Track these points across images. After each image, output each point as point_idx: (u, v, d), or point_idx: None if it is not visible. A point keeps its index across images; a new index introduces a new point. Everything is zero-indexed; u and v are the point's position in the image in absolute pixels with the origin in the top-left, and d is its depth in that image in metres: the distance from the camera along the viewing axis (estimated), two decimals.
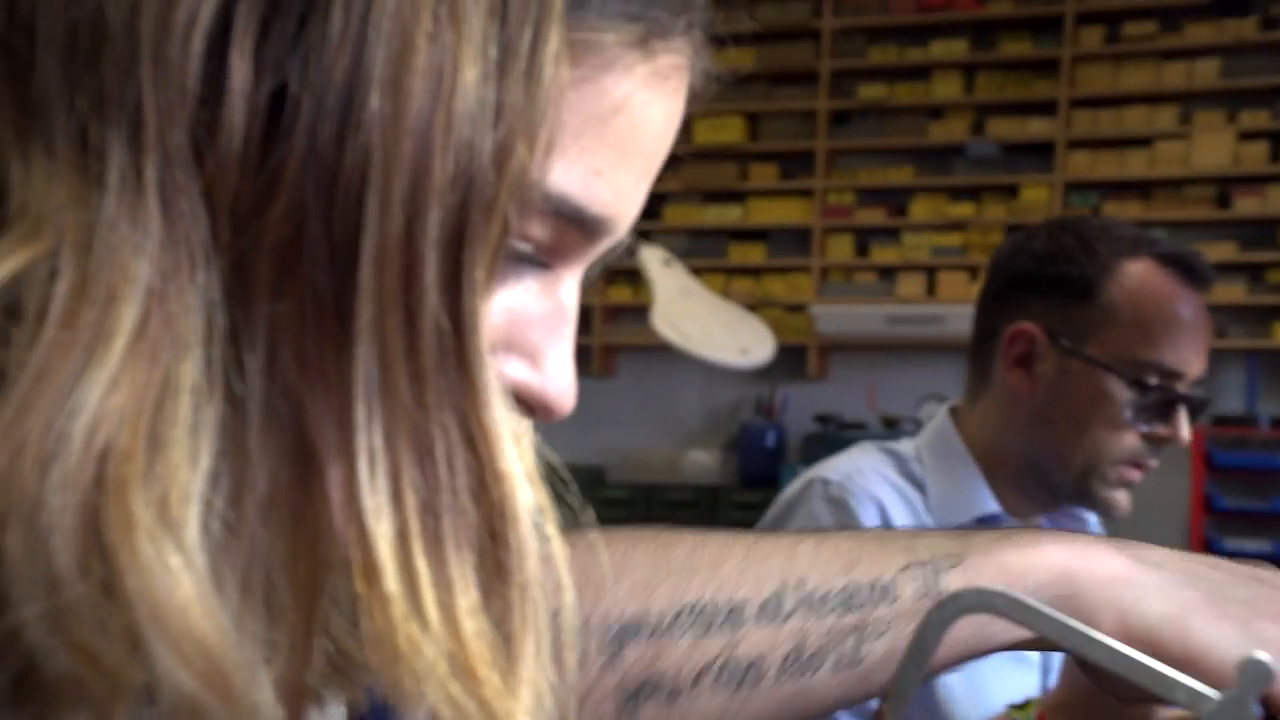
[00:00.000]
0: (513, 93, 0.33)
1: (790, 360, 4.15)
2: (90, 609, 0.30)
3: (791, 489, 1.41)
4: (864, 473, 1.37)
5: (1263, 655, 0.35)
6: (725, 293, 4.25)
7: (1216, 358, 3.96)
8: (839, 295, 4.30)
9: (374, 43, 0.32)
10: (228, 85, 0.32)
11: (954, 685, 1.31)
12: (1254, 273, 3.91)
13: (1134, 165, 4.04)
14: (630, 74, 0.37)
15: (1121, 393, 1.32)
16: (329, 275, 0.33)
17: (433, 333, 0.33)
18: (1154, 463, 1.37)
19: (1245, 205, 3.92)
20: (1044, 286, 1.38)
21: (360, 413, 0.33)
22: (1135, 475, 1.36)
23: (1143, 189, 4.07)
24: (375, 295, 0.33)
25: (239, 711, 0.32)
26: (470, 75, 0.33)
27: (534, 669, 0.35)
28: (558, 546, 0.37)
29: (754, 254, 4.46)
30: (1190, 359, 1.34)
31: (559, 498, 0.38)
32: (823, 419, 4.16)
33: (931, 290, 4.21)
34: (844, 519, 1.33)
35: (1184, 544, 3.77)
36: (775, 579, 0.58)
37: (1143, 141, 4.03)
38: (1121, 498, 1.37)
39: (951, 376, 4.24)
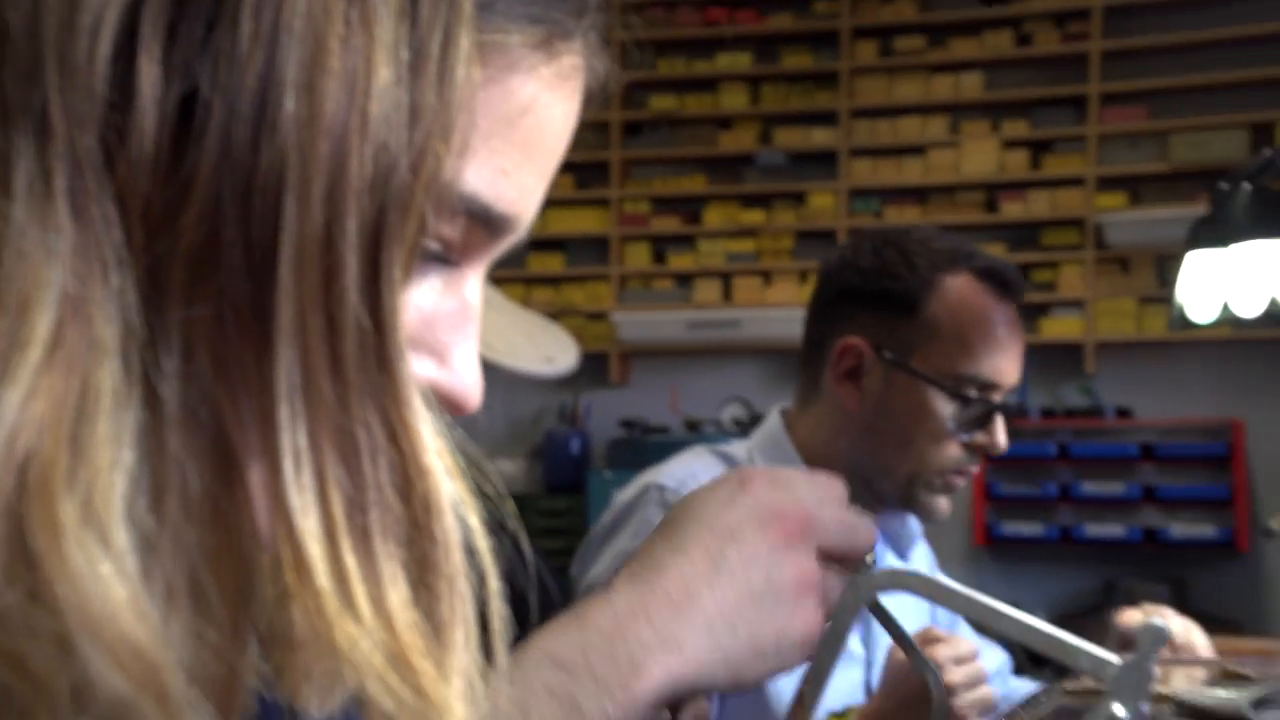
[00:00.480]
0: (426, 94, 0.34)
1: (593, 367, 4.20)
2: (18, 616, 0.30)
3: (627, 493, 1.42)
4: (698, 478, 1.39)
5: (1159, 621, 0.37)
6: (526, 302, 4.27)
7: None
8: (638, 302, 4.38)
9: (286, 45, 0.32)
10: (137, 88, 0.32)
11: (783, 684, 1.36)
12: (1020, 272, 4.17)
13: (910, 172, 4.26)
14: (535, 75, 0.38)
15: (944, 406, 1.38)
16: (247, 278, 0.33)
17: (354, 332, 0.33)
18: (975, 469, 1.43)
19: (1010, 209, 4.18)
20: (870, 301, 1.43)
21: (284, 413, 0.33)
22: (959, 482, 1.43)
23: (919, 194, 4.29)
24: (295, 297, 0.33)
25: (173, 712, 0.32)
26: (384, 77, 0.33)
27: (465, 657, 0.36)
28: (481, 538, 0.38)
29: (553, 263, 4.49)
30: (1006, 370, 1.40)
31: (479, 491, 0.38)
32: (627, 424, 4.22)
33: (728, 295, 4.33)
34: None
35: (969, 529, 3.99)
36: None
37: (917, 150, 4.25)
38: (944, 504, 1.43)
39: (750, 378, 4.38)
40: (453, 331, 0.40)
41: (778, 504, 0.65)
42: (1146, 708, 0.36)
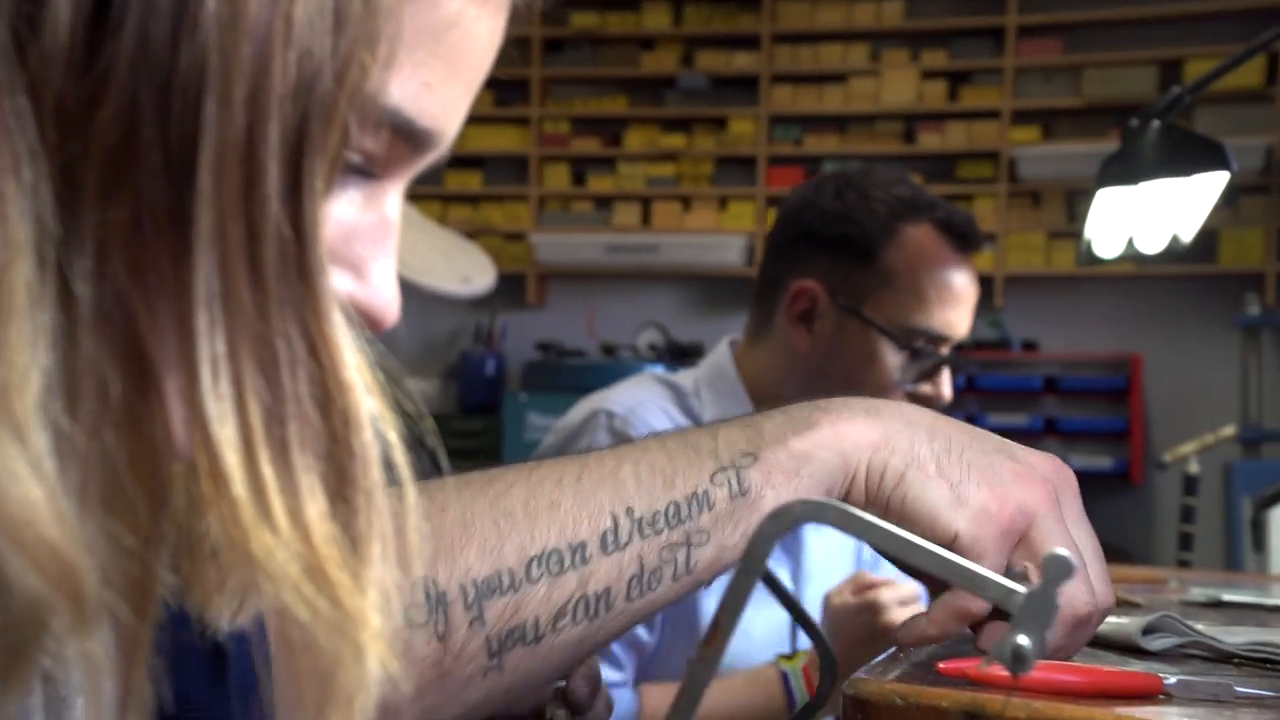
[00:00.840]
0: (353, 1, 0.33)
1: (509, 288, 4.18)
2: None
3: (574, 417, 1.41)
4: (646, 405, 1.39)
5: (1063, 552, 0.37)
6: (442, 220, 4.22)
7: None
8: (557, 224, 4.34)
9: None
10: None
11: (712, 610, 1.38)
12: (976, 224, 4.22)
13: (831, 101, 4.26)
14: None
15: (893, 355, 1.38)
16: (165, 181, 0.32)
17: (274, 241, 0.33)
18: None
19: (927, 140, 4.21)
20: (828, 245, 1.42)
21: (202, 320, 0.33)
22: None
23: (839, 123, 4.30)
24: (215, 203, 0.32)
25: (87, 614, 0.32)
26: None
27: (381, 570, 0.36)
28: (399, 452, 0.38)
29: (471, 181, 4.43)
30: (957, 323, 1.41)
31: (398, 408, 0.38)
32: (544, 346, 4.21)
33: (647, 220, 4.31)
34: None
35: None
36: (608, 512, 0.63)
37: (838, 78, 4.26)
38: None
39: (667, 304, 4.39)
40: (371, 246, 0.39)
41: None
42: (1051, 635, 0.37)
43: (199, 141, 0.32)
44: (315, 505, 0.34)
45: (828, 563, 1.51)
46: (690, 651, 1.36)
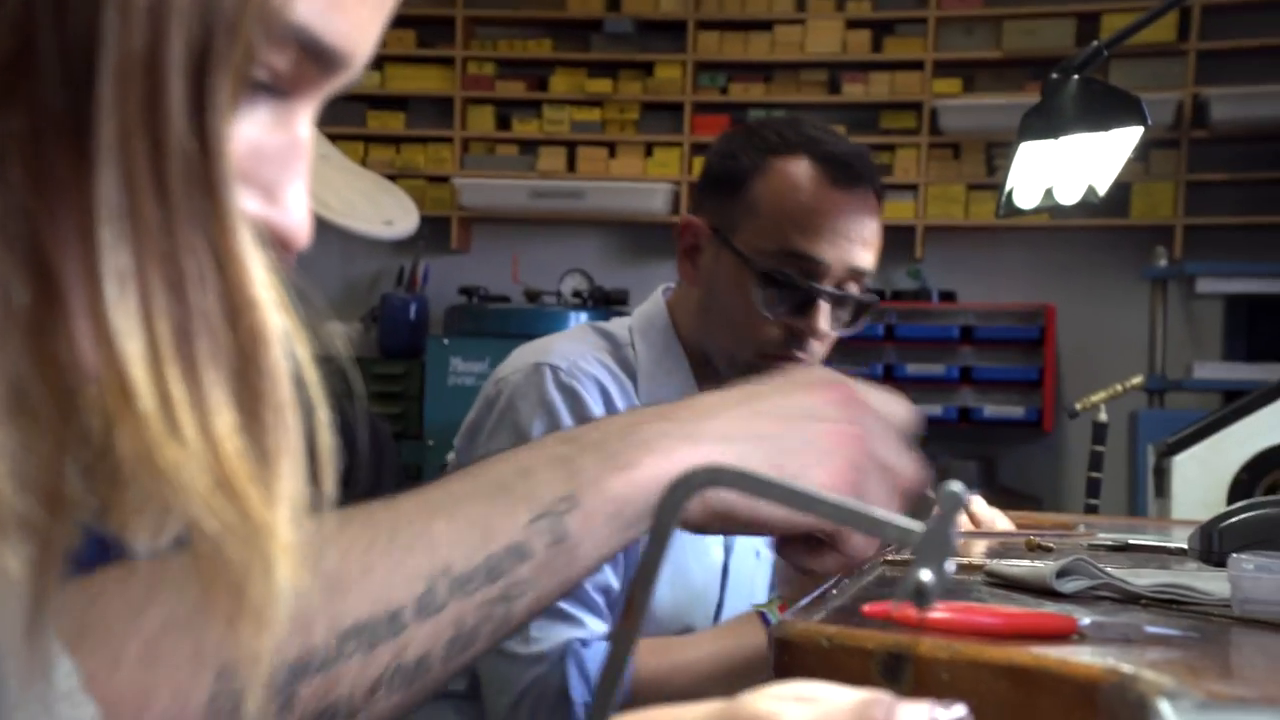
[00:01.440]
0: None
1: (432, 231, 4.13)
2: None
3: (513, 372, 1.40)
4: (585, 357, 1.39)
5: (956, 485, 0.38)
6: (363, 161, 4.15)
7: None
8: (481, 168, 4.30)
9: None
10: None
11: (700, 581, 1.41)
12: (869, 161, 4.25)
13: (757, 48, 4.26)
14: None
15: (757, 285, 1.37)
16: (64, 93, 0.32)
17: (180, 156, 0.33)
18: (803, 355, 1.39)
19: (852, 90, 4.24)
20: (711, 181, 1.45)
21: (106, 235, 0.32)
22: (786, 366, 1.40)
23: (765, 71, 4.31)
24: (117, 116, 0.32)
25: (3, 518, 0.32)
26: None
27: (291, 484, 0.36)
28: (310, 369, 0.38)
29: (393, 122, 4.36)
30: (830, 252, 1.37)
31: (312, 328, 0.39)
32: (467, 291, 4.18)
33: (572, 165, 4.29)
34: (574, 404, 1.35)
35: None
36: (424, 574, 0.61)
37: (764, 26, 4.25)
38: None
39: (592, 251, 4.38)
40: (282, 168, 0.39)
41: (832, 379, 0.70)
42: (951, 567, 0.39)
43: (98, 53, 0.32)
44: (224, 419, 0.34)
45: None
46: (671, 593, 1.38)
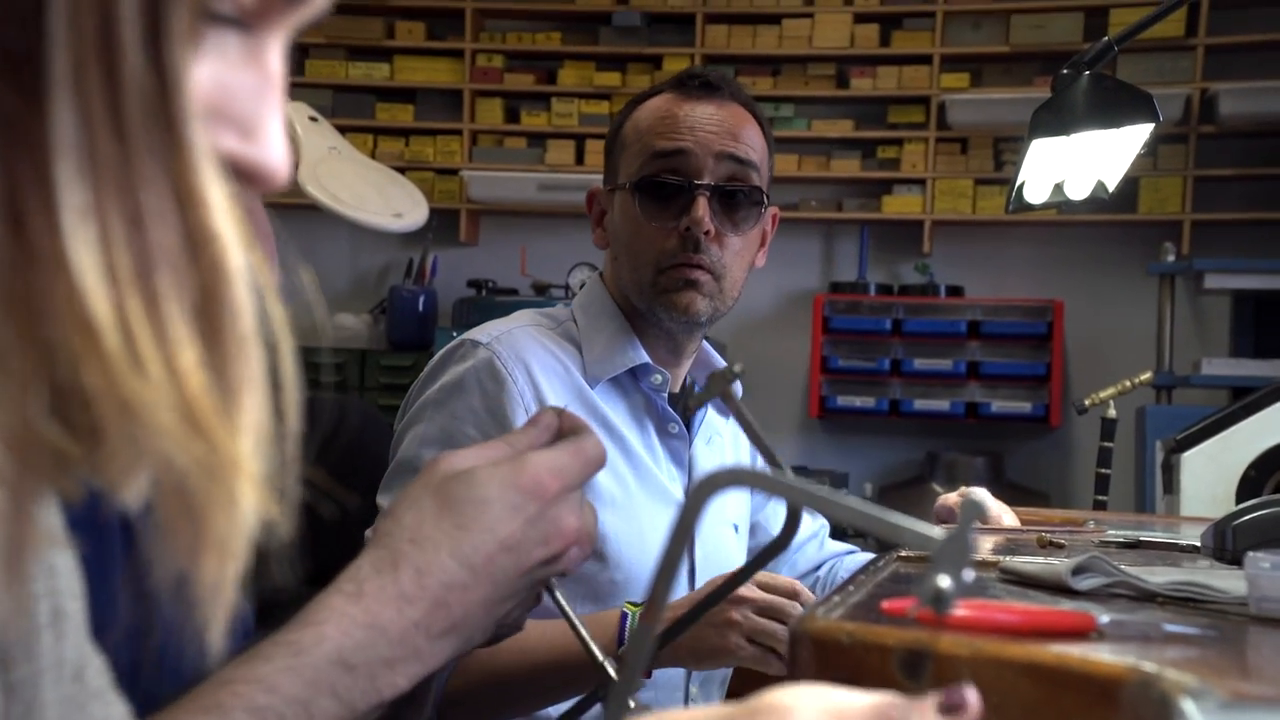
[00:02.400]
0: None
1: (441, 224, 4.14)
2: None
3: (445, 348, 1.45)
4: (514, 335, 1.42)
5: (978, 494, 0.40)
6: (372, 154, 4.15)
7: (833, 228, 4.32)
8: (490, 160, 4.30)
9: None
10: None
11: (612, 523, 1.40)
12: (867, 148, 4.25)
13: (765, 42, 4.25)
14: None
15: (633, 197, 1.44)
16: (16, 27, 0.32)
17: (136, 89, 0.33)
18: (700, 258, 1.42)
19: (860, 84, 4.23)
20: (605, 154, 1.53)
21: (63, 170, 0.32)
22: (689, 274, 1.42)
23: (773, 65, 4.30)
24: (71, 50, 0.32)
25: None
26: None
27: (256, 416, 0.37)
28: (275, 304, 0.38)
29: (402, 114, 4.36)
30: (689, 141, 1.42)
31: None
32: (475, 284, 4.19)
33: (581, 158, 4.29)
34: (490, 380, 1.37)
35: (805, 401, 4.13)
36: None
37: (773, 19, 4.25)
38: (689, 299, 1.43)
39: None
40: (256, 103, 0.39)
41: (564, 525, 0.74)
42: (970, 576, 0.39)
43: None
44: (187, 353, 0.35)
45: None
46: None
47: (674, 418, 1.51)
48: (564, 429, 0.80)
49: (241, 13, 0.37)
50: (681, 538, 0.42)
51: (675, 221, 1.42)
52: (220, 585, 0.36)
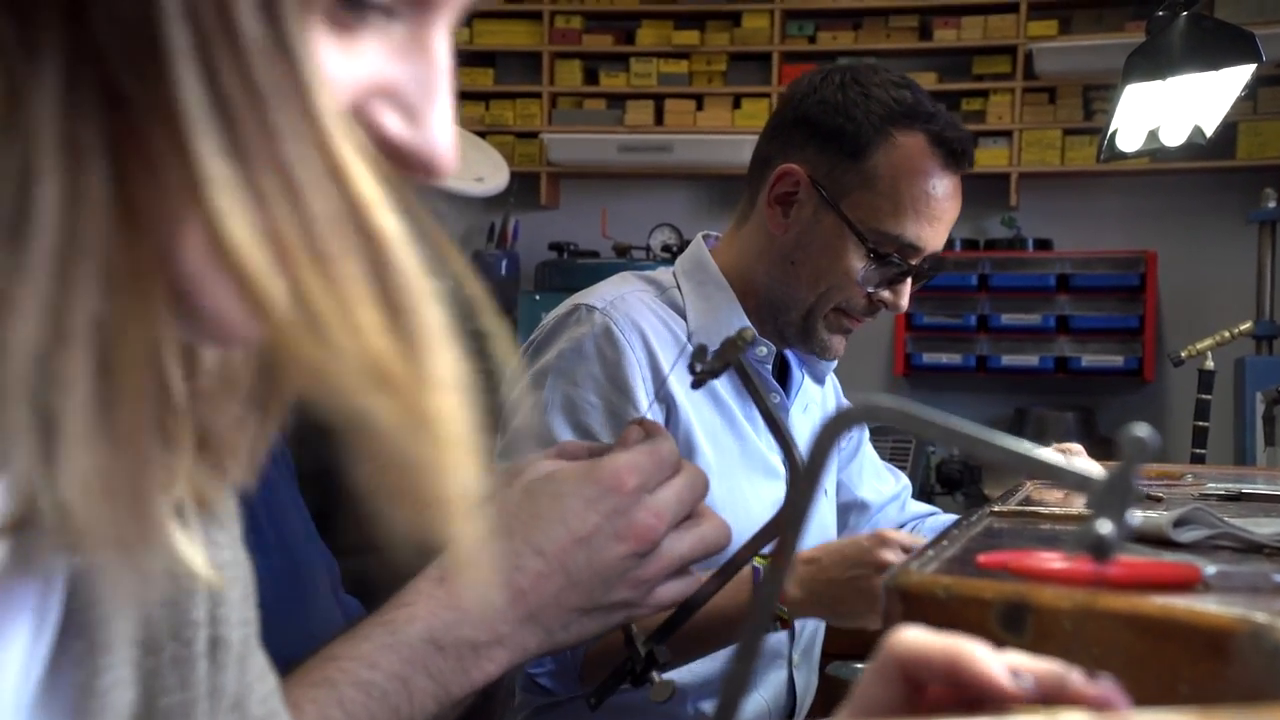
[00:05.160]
0: None
1: (522, 187, 4.15)
2: None
3: (557, 312, 1.45)
4: (627, 300, 1.42)
5: (1142, 430, 0.36)
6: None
7: None
8: (569, 122, 4.30)
9: None
10: None
11: (716, 492, 1.41)
12: (951, 101, 4.17)
13: None
14: None
15: (859, 257, 1.40)
16: (134, 9, 0.31)
17: (263, 60, 0.32)
18: (867, 320, 1.48)
19: (943, 35, 4.14)
20: (821, 134, 1.43)
21: (205, 145, 0.32)
22: (854, 325, 1.47)
23: (854, 18, 4.23)
24: (188, 20, 0.31)
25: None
26: None
27: (447, 371, 0.36)
28: (418, 271, 0.37)
29: (482, 78, 4.37)
30: (930, 238, 1.43)
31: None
32: (557, 247, 4.20)
33: (660, 119, 4.26)
34: (608, 347, 1.38)
35: (890, 359, 4.08)
36: None
37: None
38: (838, 343, 1.47)
39: (680, 205, 4.36)
40: (422, 90, 0.39)
41: (635, 519, 0.75)
42: (1134, 518, 0.37)
43: None
44: (368, 314, 0.34)
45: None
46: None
47: (776, 387, 1.51)
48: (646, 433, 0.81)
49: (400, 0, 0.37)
50: (810, 480, 0.41)
51: (875, 289, 1.43)
52: (461, 536, 0.36)
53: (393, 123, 0.38)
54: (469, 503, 0.36)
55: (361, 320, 0.34)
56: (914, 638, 0.45)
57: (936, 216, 1.42)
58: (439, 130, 0.39)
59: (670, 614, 0.89)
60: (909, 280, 1.43)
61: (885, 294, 1.43)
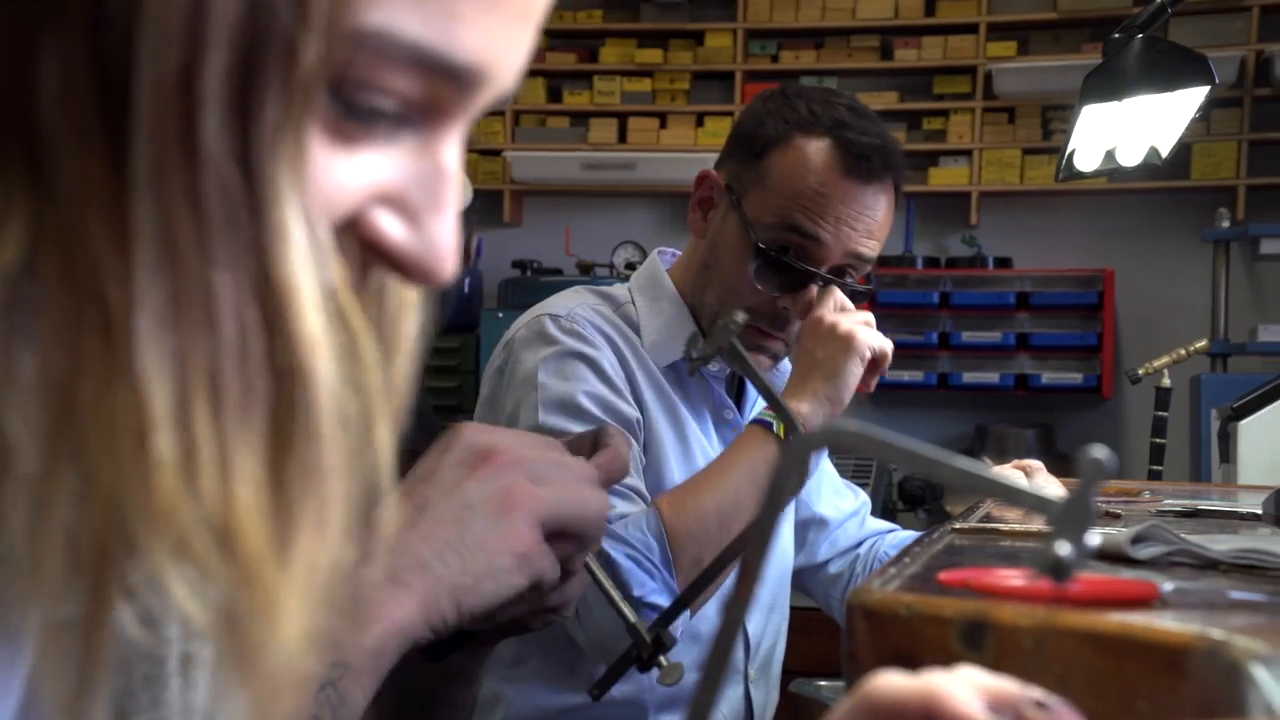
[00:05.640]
0: None
1: (485, 205, 4.15)
2: None
3: (515, 332, 1.44)
4: (582, 308, 1.43)
5: (1099, 451, 0.36)
6: None
7: None
8: (532, 140, 4.30)
9: None
10: None
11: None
12: (912, 120, 4.21)
13: (808, 14, 4.21)
14: None
15: (751, 253, 1.39)
16: (99, 114, 0.30)
17: (216, 186, 0.31)
18: (787, 334, 1.41)
19: (904, 55, 4.18)
20: (737, 140, 1.46)
21: (143, 269, 0.31)
22: (765, 341, 1.41)
23: (816, 38, 4.26)
24: (152, 144, 0.30)
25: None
26: None
27: (314, 543, 0.34)
28: (380, 410, 0.36)
29: None
30: (830, 241, 1.37)
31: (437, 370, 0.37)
32: (520, 264, 4.20)
33: (623, 137, 4.28)
34: (586, 346, 1.38)
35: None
36: None
37: None
38: (759, 361, 1.42)
39: (643, 223, 4.37)
40: (427, 197, 0.38)
41: (482, 444, 0.72)
42: (1094, 541, 0.37)
43: (132, 75, 0.30)
44: (246, 468, 0.32)
45: None
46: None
47: (729, 404, 1.51)
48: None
49: (409, 106, 0.36)
50: (773, 504, 0.40)
51: (780, 293, 1.39)
52: (268, 715, 0.34)
53: (392, 227, 0.37)
54: (292, 681, 0.34)
55: (237, 466, 0.32)
56: (889, 684, 0.44)
57: (837, 218, 1.37)
58: (441, 236, 0.38)
59: (674, 600, 0.90)
60: (811, 285, 1.39)
61: (788, 300, 1.39)
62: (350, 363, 0.36)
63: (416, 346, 0.45)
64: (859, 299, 1.43)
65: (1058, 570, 0.36)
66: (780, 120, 1.41)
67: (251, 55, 0.31)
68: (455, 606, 0.70)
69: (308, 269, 0.33)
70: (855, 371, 1.34)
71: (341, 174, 0.35)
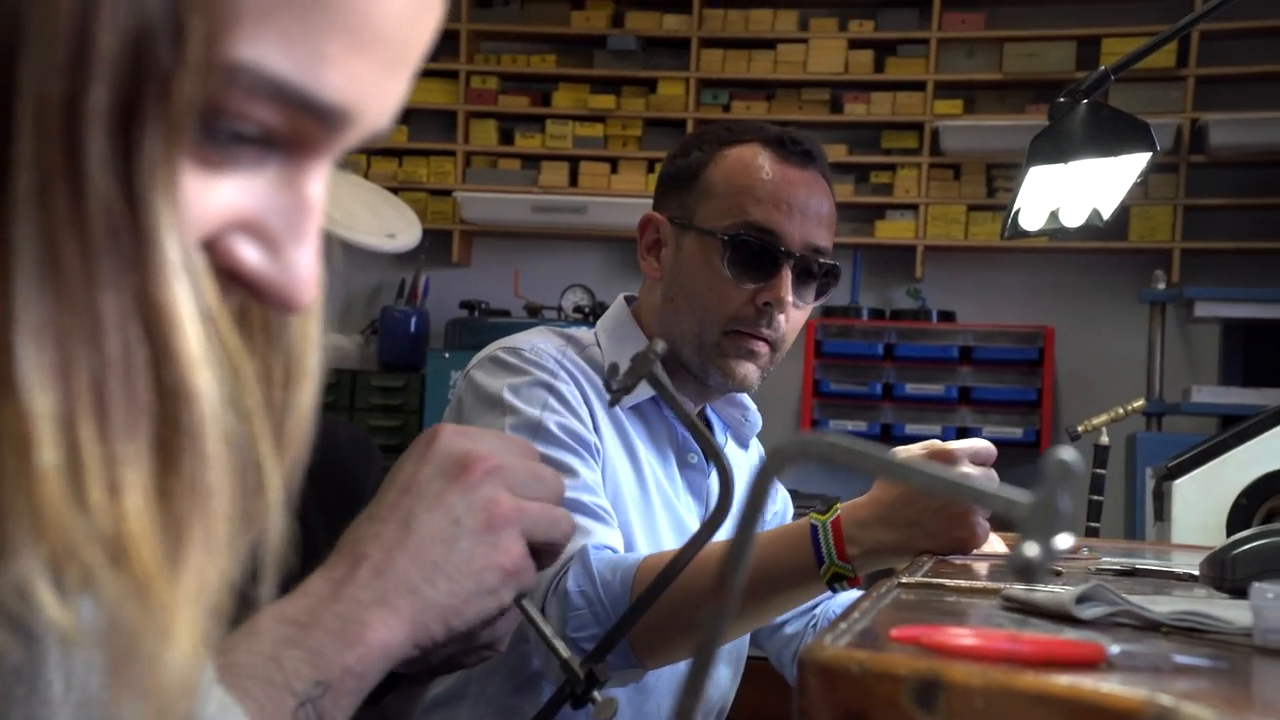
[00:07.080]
0: None
1: (434, 245, 4.14)
2: None
3: (473, 365, 1.43)
4: (545, 345, 1.42)
5: (1065, 454, 0.36)
6: (366, 174, 4.15)
7: None
8: (483, 181, 4.31)
9: None
10: None
11: (642, 551, 1.40)
12: (860, 173, 4.27)
13: (760, 67, 4.27)
14: None
15: (718, 251, 1.41)
16: None
17: (101, 210, 0.32)
18: (768, 332, 1.42)
19: (853, 109, 4.25)
20: (669, 181, 1.50)
21: (24, 284, 0.31)
22: (753, 345, 1.42)
23: (767, 89, 4.32)
24: (36, 166, 0.31)
25: None
26: None
27: (203, 557, 0.35)
28: (260, 426, 0.37)
29: (396, 135, 4.36)
30: (785, 224, 1.41)
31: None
32: (468, 305, 4.19)
33: (574, 180, 4.30)
34: (551, 377, 1.37)
35: (797, 425, 4.13)
36: None
37: (767, 44, 4.27)
38: (746, 370, 1.42)
39: (593, 266, 4.38)
40: (287, 226, 0.38)
41: (462, 451, 0.71)
42: (1064, 542, 0.36)
43: (14, 103, 0.31)
44: (133, 480, 0.33)
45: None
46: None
47: (694, 448, 1.51)
48: None
49: (272, 136, 0.36)
50: (748, 519, 0.40)
51: (756, 286, 1.40)
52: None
53: (249, 253, 0.38)
54: (185, 692, 0.34)
55: (124, 479, 0.33)
56: None
57: (784, 199, 1.41)
58: (299, 265, 0.39)
59: (605, 633, 0.87)
60: (784, 270, 1.40)
61: (765, 291, 1.40)
62: (231, 382, 0.36)
63: (320, 379, 0.45)
64: (828, 281, 1.46)
65: (1026, 573, 0.36)
66: (705, 143, 1.47)
67: (132, 87, 0.32)
68: (444, 628, 0.69)
69: (186, 290, 0.34)
70: (928, 555, 1.25)
71: (201, 198, 0.36)
